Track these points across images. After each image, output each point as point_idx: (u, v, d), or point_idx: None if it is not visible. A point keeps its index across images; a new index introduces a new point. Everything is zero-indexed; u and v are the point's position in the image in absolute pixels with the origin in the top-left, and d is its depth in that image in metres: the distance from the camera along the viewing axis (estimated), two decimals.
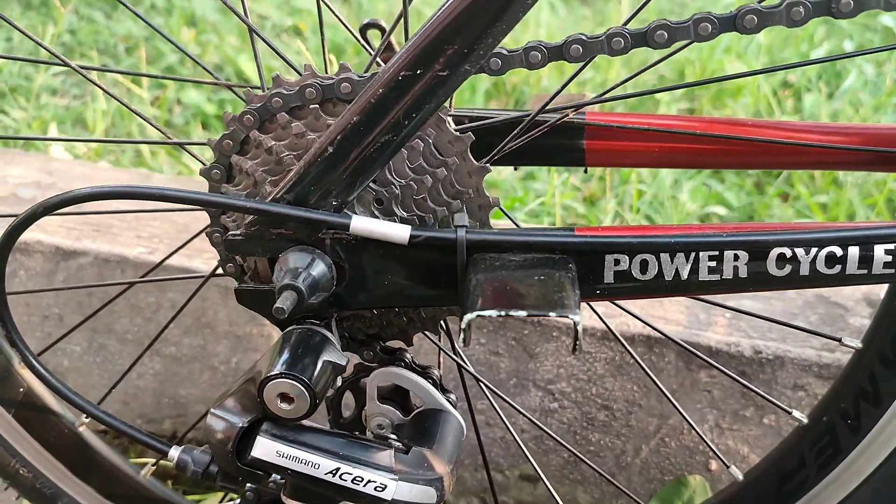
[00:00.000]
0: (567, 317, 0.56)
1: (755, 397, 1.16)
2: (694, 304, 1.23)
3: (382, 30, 0.94)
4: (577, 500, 1.22)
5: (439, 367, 0.85)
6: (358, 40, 0.88)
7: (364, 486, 0.69)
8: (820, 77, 2.37)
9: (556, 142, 0.85)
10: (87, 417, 1.04)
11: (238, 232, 0.69)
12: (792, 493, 0.87)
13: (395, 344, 0.83)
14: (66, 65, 0.84)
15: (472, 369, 0.91)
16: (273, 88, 0.73)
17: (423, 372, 0.82)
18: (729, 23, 0.63)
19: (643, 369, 0.90)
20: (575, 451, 0.95)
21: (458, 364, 0.90)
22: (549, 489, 0.91)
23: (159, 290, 1.28)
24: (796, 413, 0.86)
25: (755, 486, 0.90)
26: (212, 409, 0.71)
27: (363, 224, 0.66)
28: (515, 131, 0.76)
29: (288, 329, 0.71)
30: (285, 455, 0.68)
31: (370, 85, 0.63)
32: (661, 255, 0.65)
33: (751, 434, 1.17)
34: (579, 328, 0.56)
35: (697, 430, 0.93)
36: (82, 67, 0.85)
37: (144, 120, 0.84)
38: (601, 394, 1.19)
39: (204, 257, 1.27)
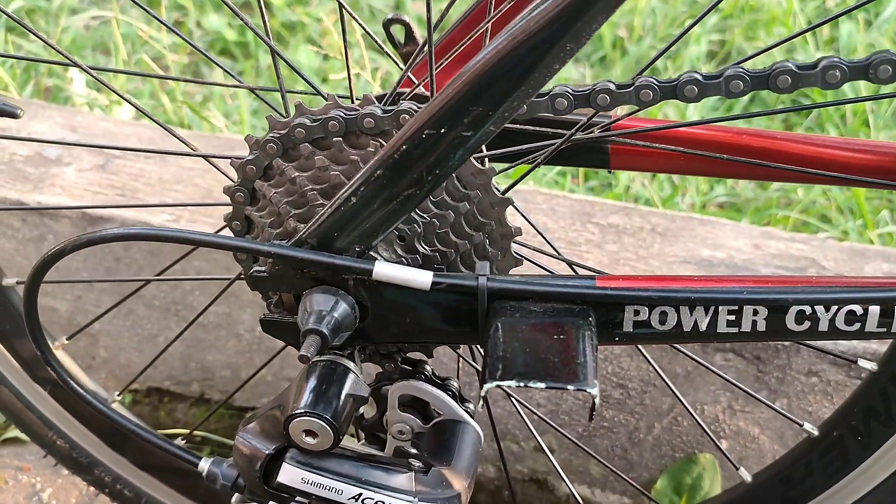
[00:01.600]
0: (585, 391, 0.57)
1: (769, 381, 1.18)
2: None
3: (406, 25, 0.92)
4: (589, 472, 1.26)
5: (457, 377, 0.87)
6: (378, 45, 0.87)
7: None
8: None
9: (581, 143, 0.84)
10: (119, 394, 1.08)
11: (262, 269, 0.70)
12: (797, 499, 0.90)
13: (416, 355, 0.85)
14: None
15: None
16: (296, 117, 0.73)
17: (443, 384, 0.84)
18: None
19: (648, 361, 0.91)
20: (579, 443, 0.99)
21: (477, 371, 0.92)
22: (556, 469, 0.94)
23: (186, 258, 1.29)
24: (807, 426, 0.88)
25: (762, 489, 0.93)
26: (239, 433, 0.74)
27: (386, 270, 0.66)
28: (547, 154, 0.75)
29: (312, 361, 0.73)
30: (310, 482, 0.72)
31: (392, 140, 0.63)
32: (681, 308, 0.66)
33: (762, 416, 1.19)
34: (597, 401, 0.58)
35: (706, 429, 0.95)
36: None
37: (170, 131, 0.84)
38: (617, 373, 1.21)
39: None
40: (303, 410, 0.68)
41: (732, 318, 0.66)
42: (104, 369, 1.39)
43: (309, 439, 0.70)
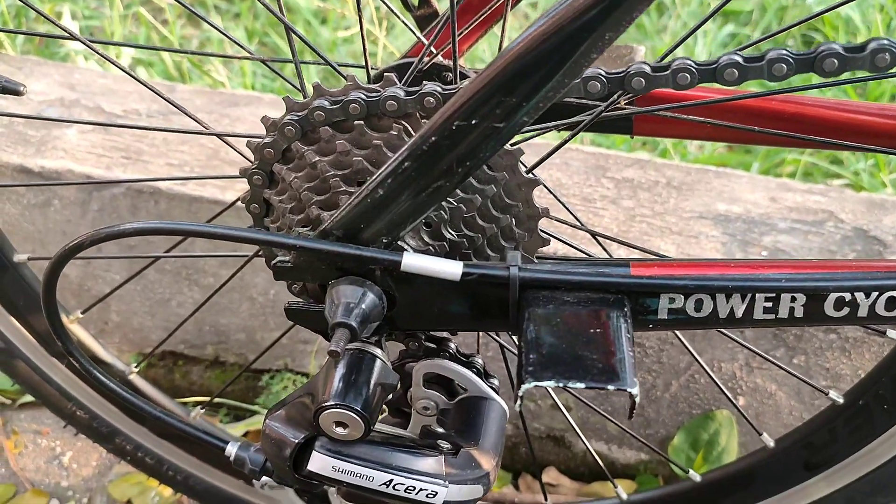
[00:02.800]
0: (626, 390, 0.57)
1: (786, 338, 1.17)
2: (730, 241, 1.23)
3: None
4: (606, 429, 1.27)
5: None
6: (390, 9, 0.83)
7: (416, 494, 0.73)
8: None
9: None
10: (136, 367, 1.08)
11: (286, 259, 0.69)
12: (819, 465, 0.91)
13: (440, 333, 0.84)
14: None
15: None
16: (314, 98, 0.70)
17: (468, 362, 0.84)
18: None
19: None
20: (592, 405, 0.99)
21: (502, 347, 0.91)
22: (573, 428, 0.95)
23: (195, 220, 1.28)
24: (833, 394, 0.88)
25: (784, 454, 0.94)
26: (268, 421, 0.73)
27: (415, 262, 0.65)
28: (578, 130, 0.73)
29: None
30: (341, 469, 0.71)
31: (421, 132, 0.60)
32: (717, 295, 0.64)
33: (779, 373, 1.19)
34: (637, 400, 0.57)
35: (727, 394, 0.95)
36: None
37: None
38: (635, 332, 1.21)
39: (237, 188, 1.26)
40: (333, 402, 0.67)
41: (770, 304, 0.64)
42: (117, 334, 1.39)
43: (339, 430, 0.69)
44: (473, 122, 0.59)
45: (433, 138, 0.60)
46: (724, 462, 1.20)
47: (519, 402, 0.58)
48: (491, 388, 0.83)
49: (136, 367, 1.07)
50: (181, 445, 1.14)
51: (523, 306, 0.65)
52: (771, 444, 0.95)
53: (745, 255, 1.21)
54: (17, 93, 0.85)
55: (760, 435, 0.94)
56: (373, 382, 0.70)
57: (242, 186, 1.25)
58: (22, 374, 1.07)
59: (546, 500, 1.08)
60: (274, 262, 0.69)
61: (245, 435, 1.33)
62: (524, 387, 0.58)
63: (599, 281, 0.65)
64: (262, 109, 1.43)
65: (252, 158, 0.74)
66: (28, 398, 1.38)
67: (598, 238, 0.89)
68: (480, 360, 0.85)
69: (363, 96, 0.68)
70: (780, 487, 0.94)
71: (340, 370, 0.70)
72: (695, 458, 1.22)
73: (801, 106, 0.82)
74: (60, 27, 0.80)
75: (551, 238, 0.75)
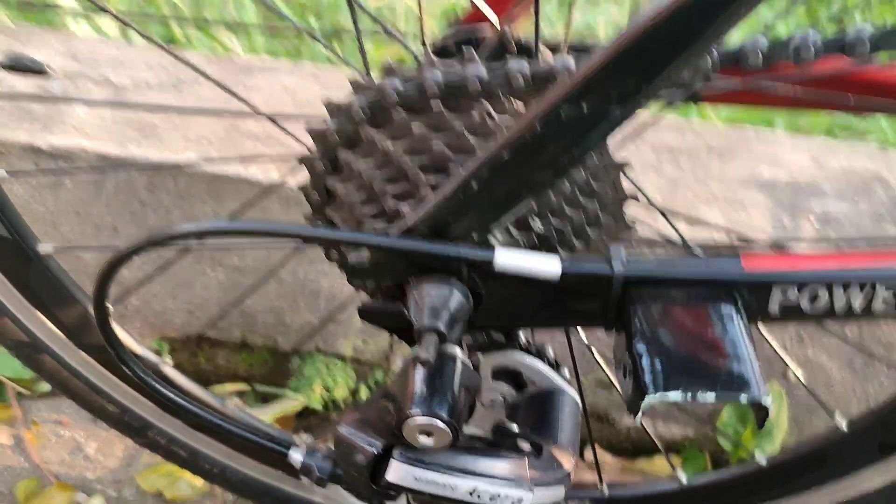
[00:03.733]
0: (760, 401, 0.52)
1: None
2: (777, 205, 1.18)
3: None
4: (652, 406, 1.23)
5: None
6: None
7: (501, 502, 0.68)
8: None
9: None
10: (169, 357, 1.02)
11: (363, 258, 0.63)
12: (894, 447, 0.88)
13: None
14: None
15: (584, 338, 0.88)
16: (385, 78, 0.64)
17: (539, 352, 0.79)
18: None
19: None
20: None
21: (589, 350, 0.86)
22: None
23: (216, 199, 1.21)
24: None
25: (858, 434, 0.90)
26: (342, 427, 0.68)
27: (509, 259, 0.59)
28: (669, 104, 0.67)
29: (415, 350, 0.67)
30: (422, 479, 0.67)
31: (521, 118, 0.55)
32: (835, 288, 0.60)
33: (830, 344, 1.16)
34: (771, 412, 0.52)
35: (794, 370, 0.91)
36: None
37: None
38: None
39: (258, 163, 1.20)
40: (418, 411, 0.62)
41: (890, 295, 0.60)
42: (137, 318, 1.33)
43: (424, 439, 0.64)
44: (584, 107, 0.53)
45: (536, 126, 0.54)
46: (773, 436, 1.17)
47: (640, 415, 0.54)
48: (563, 379, 0.79)
49: (169, 358, 1.02)
50: (217, 437, 1.09)
51: (626, 304, 0.60)
52: (844, 425, 0.91)
53: (795, 223, 1.16)
54: (41, 72, 0.78)
55: (833, 414, 0.91)
56: (457, 386, 0.65)
57: (263, 162, 1.18)
58: (48, 369, 1.01)
59: (601, 481, 1.05)
60: (349, 261, 0.63)
61: (277, 422, 1.29)
62: (648, 399, 0.53)
63: (710, 276, 0.60)
64: (278, 77, 1.36)
65: (310, 143, 0.68)
66: (46, 387, 1.32)
67: (668, 217, 0.84)
68: (551, 351, 0.80)
69: (441, 75, 0.62)
70: (852, 468, 0.91)
71: (422, 374, 0.65)
72: (743, 432, 1.19)
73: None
74: None
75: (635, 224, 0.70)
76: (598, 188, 0.66)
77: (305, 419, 1.33)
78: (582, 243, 0.69)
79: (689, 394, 0.52)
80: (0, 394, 1.32)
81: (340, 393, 1.22)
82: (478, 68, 0.62)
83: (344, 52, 1.90)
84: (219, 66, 1.38)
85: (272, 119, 0.78)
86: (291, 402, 1.27)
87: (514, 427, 0.77)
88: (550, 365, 0.79)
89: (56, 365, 1.01)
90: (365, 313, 0.67)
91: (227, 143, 1.23)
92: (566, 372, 0.80)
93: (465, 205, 0.58)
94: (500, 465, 0.69)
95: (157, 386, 0.74)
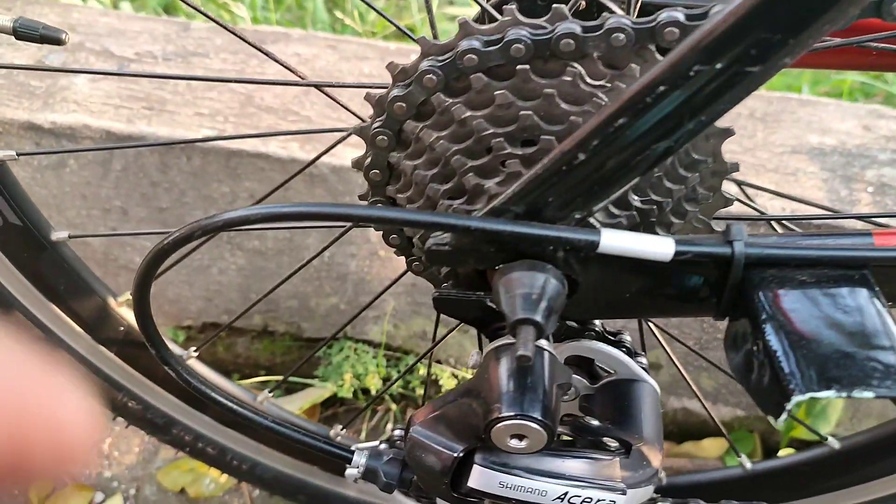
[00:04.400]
0: None
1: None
2: (831, 177, 1.12)
3: None
4: (700, 385, 1.18)
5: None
6: None
7: None
8: None
9: None
10: (195, 351, 0.95)
11: (444, 241, 0.56)
12: None
13: None
14: None
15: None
16: (461, 38, 0.56)
17: (616, 341, 0.72)
18: None
19: None
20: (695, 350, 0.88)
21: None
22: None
23: (233, 179, 1.13)
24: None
25: None
26: (415, 428, 0.62)
27: (616, 241, 0.52)
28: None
29: (500, 343, 0.60)
30: (508, 485, 0.60)
31: (641, 80, 0.47)
32: None
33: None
34: None
35: None
36: None
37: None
38: None
39: (279, 138, 1.12)
40: (512, 413, 0.56)
41: None
42: (152, 305, 1.25)
43: (515, 442, 0.58)
44: (718, 65, 0.46)
45: (661, 88, 0.47)
46: (828, 416, 1.12)
47: (785, 415, 0.47)
48: (642, 367, 0.73)
49: (194, 351, 0.94)
50: (247, 432, 1.02)
51: (748, 289, 0.53)
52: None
53: (850, 191, 1.10)
54: (58, 41, 0.69)
55: None
56: (548, 382, 0.59)
57: (284, 138, 1.10)
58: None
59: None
60: (428, 244, 0.56)
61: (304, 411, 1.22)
62: (795, 398, 0.47)
63: (839, 256, 0.53)
64: (291, 47, 1.27)
65: (367, 113, 0.61)
66: None
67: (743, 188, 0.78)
68: (629, 338, 0.74)
69: (529, 34, 0.55)
70: None
71: (509, 370, 0.58)
72: (796, 412, 1.13)
73: None
74: None
75: (734, 200, 0.63)
76: (700, 159, 0.59)
77: (330, 407, 1.26)
78: (679, 220, 0.62)
79: (844, 392, 0.46)
80: None
81: (371, 381, 1.15)
82: (571, 25, 0.54)
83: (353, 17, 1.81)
84: (228, 36, 1.29)
85: (319, 87, 0.70)
86: (319, 392, 1.20)
87: (593, 422, 0.70)
88: (629, 353, 0.72)
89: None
90: (441, 303, 0.60)
91: (243, 117, 1.15)
92: (644, 360, 0.74)
93: (568, 180, 0.51)
94: (590, 467, 0.62)
95: (204, 388, 0.67)
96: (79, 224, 1.18)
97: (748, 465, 0.95)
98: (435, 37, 0.61)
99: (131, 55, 1.24)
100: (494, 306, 0.60)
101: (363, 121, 0.69)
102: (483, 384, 0.59)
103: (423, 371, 1.23)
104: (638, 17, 0.71)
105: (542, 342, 0.60)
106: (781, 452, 1.12)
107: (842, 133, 1.19)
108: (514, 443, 0.58)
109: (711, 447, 1.16)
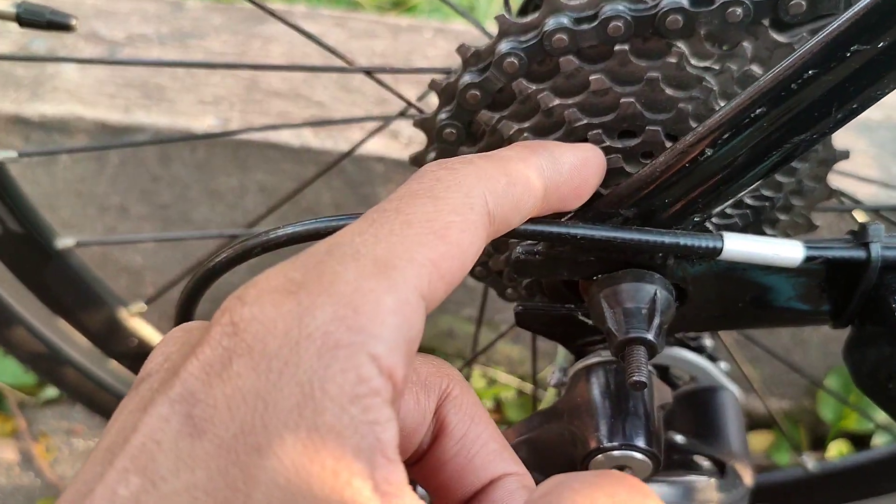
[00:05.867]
0: None
1: None
2: (881, 153, 1.06)
3: None
4: (744, 378, 1.12)
5: None
6: None
7: None
8: None
9: None
10: None
11: (533, 251, 0.49)
12: None
13: None
14: None
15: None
16: (545, 16, 0.49)
17: (698, 346, 0.66)
18: None
19: None
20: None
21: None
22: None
23: (242, 171, 1.05)
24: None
25: None
26: None
27: (740, 246, 0.45)
28: None
29: (591, 361, 0.54)
30: None
31: (786, 63, 0.40)
32: None
33: None
34: None
35: None
36: None
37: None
38: None
39: (291, 128, 1.04)
40: (616, 443, 0.49)
41: None
42: (155, 310, 1.16)
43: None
44: (881, 44, 0.39)
45: (810, 72, 0.40)
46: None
47: None
48: (723, 373, 0.67)
49: None
50: None
51: (882, 294, 0.47)
52: None
53: None
54: (67, 27, 0.61)
55: None
56: (650, 406, 0.52)
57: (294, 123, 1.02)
58: (71, 382, 0.86)
59: None
60: (515, 254, 0.49)
61: None
62: None
63: None
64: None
65: (428, 102, 0.53)
66: (52, 394, 1.16)
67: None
68: (709, 342, 0.68)
69: (628, 9, 0.47)
70: None
71: (606, 393, 0.52)
72: (845, 397, 1.08)
73: None
74: None
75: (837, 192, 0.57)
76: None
77: None
78: (785, 216, 0.55)
79: None
80: (0, 403, 1.16)
81: None
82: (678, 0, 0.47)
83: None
84: (226, 15, 1.20)
85: (370, 74, 0.62)
86: None
87: (678, 438, 0.64)
88: (710, 358, 0.66)
89: (80, 377, 0.86)
90: (524, 317, 0.53)
91: (249, 103, 1.06)
92: (724, 365, 0.68)
93: (690, 180, 0.44)
94: (688, 492, 0.56)
95: None
96: (74, 225, 1.10)
97: (809, 465, 0.90)
98: (508, 11, 0.53)
99: (122, 38, 1.14)
100: (587, 321, 0.53)
101: (410, 105, 0.61)
102: (574, 409, 0.52)
103: None
104: None
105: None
106: (830, 445, 1.07)
107: (887, 106, 1.13)
108: None
109: (757, 441, 1.11)
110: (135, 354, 0.85)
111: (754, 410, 1.14)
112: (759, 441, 1.11)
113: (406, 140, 1.00)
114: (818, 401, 1.08)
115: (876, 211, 0.73)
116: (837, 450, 1.06)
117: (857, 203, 0.70)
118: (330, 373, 0.26)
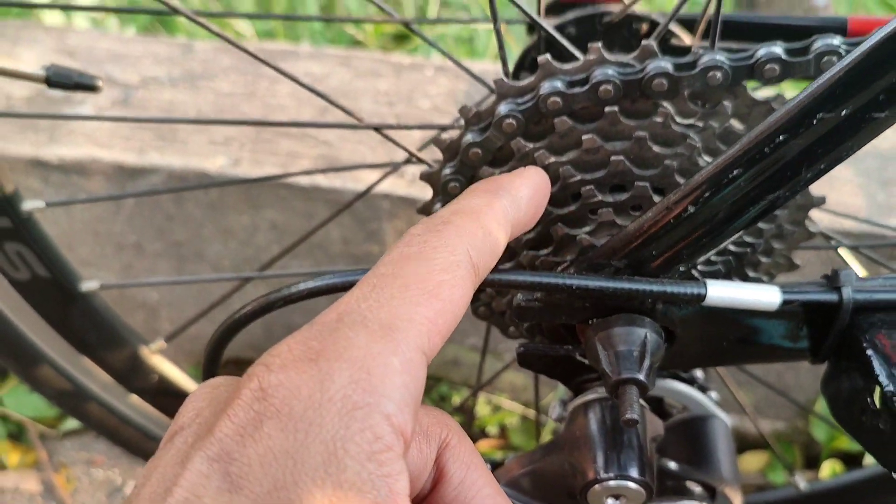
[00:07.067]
0: None
1: None
2: (867, 182, 1.10)
3: None
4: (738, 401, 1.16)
5: None
6: None
7: None
8: None
9: None
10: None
11: (534, 297, 0.53)
12: None
13: None
14: None
15: None
16: (541, 80, 0.53)
17: (689, 378, 0.70)
18: None
19: None
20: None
21: None
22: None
23: (254, 209, 1.09)
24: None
25: None
26: (503, 489, 0.59)
27: (722, 293, 0.49)
28: None
29: (589, 398, 0.57)
30: None
31: (758, 131, 0.45)
32: None
33: None
34: None
35: None
36: None
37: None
38: None
39: (299, 164, 1.08)
40: (611, 474, 0.53)
41: None
42: (171, 344, 1.20)
43: (612, 501, 0.55)
44: (843, 112, 0.43)
45: (781, 137, 0.44)
46: None
47: None
48: (714, 402, 0.70)
49: None
50: None
51: (854, 333, 0.51)
52: None
53: (887, 196, 1.08)
54: (93, 88, 0.65)
55: None
56: (643, 438, 0.56)
57: (306, 162, 1.06)
58: (95, 418, 0.90)
59: None
60: (517, 301, 0.53)
61: None
62: None
63: None
64: (301, 64, 1.23)
65: (434, 155, 0.58)
66: (72, 425, 1.19)
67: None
68: (700, 373, 0.72)
69: (617, 73, 0.52)
70: None
71: (602, 427, 0.56)
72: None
73: None
74: None
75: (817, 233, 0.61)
76: None
77: None
78: (767, 259, 0.60)
79: None
80: (21, 435, 1.20)
81: None
82: (662, 64, 0.51)
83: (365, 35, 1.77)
84: (235, 56, 1.24)
85: (379, 131, 0.66)
86: None
87: (672, 464, 0.68)
88: (701, 389, 0.70)
89: (104, 412, 0.90)
90: (525, 357, 0.57)
91: (259, 143, 1.11)
92: (715, 395, 0.72)
93: (674, 234, 0.48)
94: None
95: None
96: (92, 263, 1.14)
97: (801, 485, 0.93)
98: (507, 74, 0.58)
99: (136, 81, 1.19)
100: (584, 361, 0.57)
101: (413, 156, 0.66)
102: (574, 442, 0.56)
103: (456, 398, 1.20)
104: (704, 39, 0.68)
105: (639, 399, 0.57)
106: (824, 465, 1.11)
107: None
108: (611, 502, 0.55)
109: (752, 461, 1.14)
110: (155, 389, 0.89)
111: (749, 432, 1.18)
112: (755, 461, 1.14)
113: (410, 178, 1.05)
114: (811, 422, 1.12)
115: (855, 248, 0.77)
116: (831, 469, 1.10)
117: (839, 241, 0.74)
118: (350, 433, 0.30)
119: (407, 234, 0.40)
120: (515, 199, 0.45)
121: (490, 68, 1.22)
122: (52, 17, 1.69)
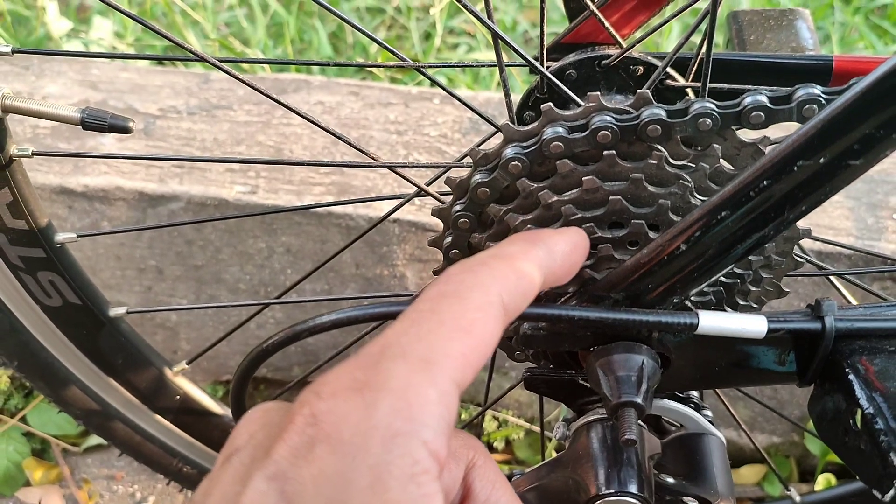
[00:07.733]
0: None
1: None
2: (856, 205, 1.14)
3: None
4: (737, 414, 1.20)
5: None
6: None
7: None
8: None
9: None
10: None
11: (539, 326, 0.57)
12: None
13: None
14: None
15: None
16: (544, 125, 0.57)
17: (684, 397, 0.74)
18: None
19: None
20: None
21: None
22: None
23: (269, 234, 1.14)
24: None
25: None
26: None
27: (713, 322, 0.54)
28: None
29: (591, 418, 0.62)
30: None
31: (745, 176, 0.49)
32: None
33: None
34: None
35: None
36: None
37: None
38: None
39: (314, 192, 1.12)
40: (612, 490, 0.57)
41: None
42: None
43: None
44: (821, 160, 0.47)
45: (764, 182, 0.48)
46: None
47: (892, 493, 0.49)
48: (708, 420, 0.74)
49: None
50: None
51: (838, 360, 0.55)
52: None
53: (876, 219, 1.13)
54: (125, 130, 0.70)
55: None
56: (642, 456, 0.60)
57: (320, 190, 1.11)
58: (120, 436, 0.94)
59: None
60: (523, 329, 0.58)
61: None
62: None
63: None
64: (314, 95, 1.28)
65: (446, 194, 0.62)
66: (94, 442, 1.24)
67: None
68: (695, 393, 0.75)
69: (615, 120, 0.56)
70: None
71: (604, 446, 0.60)
72: None
73: None
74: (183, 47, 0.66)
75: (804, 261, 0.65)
76: None
77: None
78: (756, 288, 0.64)
79: None
80: (45, 452, 1.24)
81: None
82: (656, 111, 0.56)
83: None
84: (247, 88, 1.29)
85: (394, 169, 0.71)
86: None
87: (669, 479, 0.72)
88: (696, 407, 0.74)
89: (129, 431, 0.94)
90: (532, 382, 0.61)
91: (274, 170, 1.15)
92: (710, 413, 0.76)
93: (668, 269, 0.53)
94: None
95: None
96: (114, 286, 1.18)
97: (796, 497, 0.97)
98: (512, 120, 0.62)
99: (155, 111, 1.24)
100: (586, 384, 0.61)
101: (422, 190, 0.70)
102: (577, 459, 0.60)
103: (463, 416, 1.25)
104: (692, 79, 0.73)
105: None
106: (819, 477, 1.14)
107: None
108: None
109: (750, 474, 1.18)
110: (177, 409, 0.94)
111: (747, 445, 1.22)
112: (752, 473, 1.18)
113: (419, 204, 1.09)
114: (806, 436, 1.16)
115: (841, 276, 0.81)
116: (826, 482, 1.13)
117: (827, 269, 0.78)
118: (392, 457, 0.34)
119: (445, 272, 0.44)
120: (552, 251, 0.49)
121: (494, 96, 1.27)
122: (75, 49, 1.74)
